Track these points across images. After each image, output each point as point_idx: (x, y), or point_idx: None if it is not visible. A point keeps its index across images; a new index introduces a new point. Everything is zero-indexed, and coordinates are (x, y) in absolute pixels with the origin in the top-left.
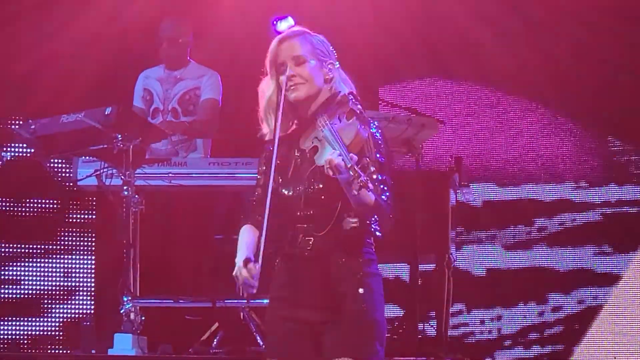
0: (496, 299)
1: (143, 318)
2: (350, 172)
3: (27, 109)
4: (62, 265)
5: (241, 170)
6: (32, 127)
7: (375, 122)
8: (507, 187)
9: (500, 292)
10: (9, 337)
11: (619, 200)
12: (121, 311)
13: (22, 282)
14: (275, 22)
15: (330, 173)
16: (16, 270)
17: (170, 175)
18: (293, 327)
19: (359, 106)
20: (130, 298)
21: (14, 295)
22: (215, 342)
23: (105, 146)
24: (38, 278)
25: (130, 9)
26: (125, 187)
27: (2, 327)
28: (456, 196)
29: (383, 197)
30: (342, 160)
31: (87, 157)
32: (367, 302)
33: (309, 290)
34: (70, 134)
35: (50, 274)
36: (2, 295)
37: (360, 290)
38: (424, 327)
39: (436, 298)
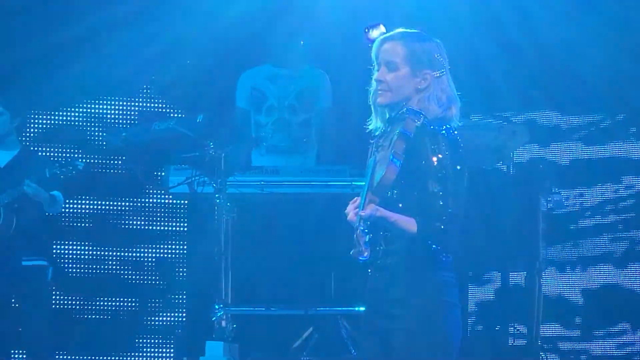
0: None
1: (235, 326)
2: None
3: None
4: (154, 273)
5: (334, 178)
6: (124, 134)
7: (443, 131)
8: None
9: None
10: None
11: None
12: (213, 319)
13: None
14: (367, 30)
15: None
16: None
17: (263, 183)
18: (371, 335)
19: (418, 122)
20: (222, 306)
21: (105, 306)
22: (307, 350)
23: (197, 154)
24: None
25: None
26: (217, 195)
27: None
28: (546, 203)
29: (439, 224)
30: (354, 214)
31: (179, 165)
32: (439, 312)
33: (381, 299)
34: (161, 142)
35: (142, 281)
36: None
37: (428, 301)
38: (514, 337)
39: (527, 307)
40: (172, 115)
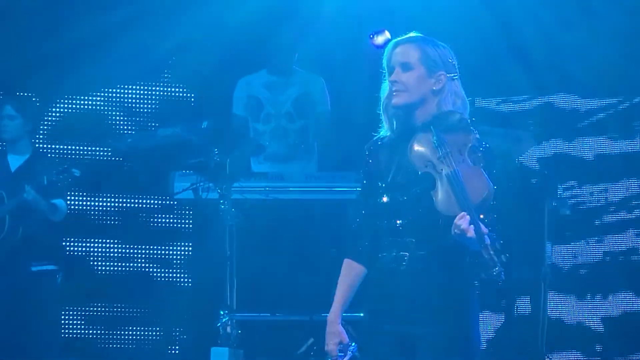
0: None
1: (240, 332)
2: (484, 255)
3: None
4: (159, 278)
5: (338, 184)
6: (129, 140)
7: (485, 144)
8: None
9: None
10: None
11: None
12: (218, 325)
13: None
14: (372, 36)
15: (457, 237)
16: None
17: (268, 189)
18: (391, 341)
19: (477, 135)
20: (227, 312)
21: (108, 308)
22: (312, 356)
23: (202, 160)
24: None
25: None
26: (222, 201)
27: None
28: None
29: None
30: (475, 232)
31: (184, 171)
32: (466, 318)
33: (409, 304)
34: (166, 148)
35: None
36: (98, 310)
37: (460, 306)
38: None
39: (533, 311)
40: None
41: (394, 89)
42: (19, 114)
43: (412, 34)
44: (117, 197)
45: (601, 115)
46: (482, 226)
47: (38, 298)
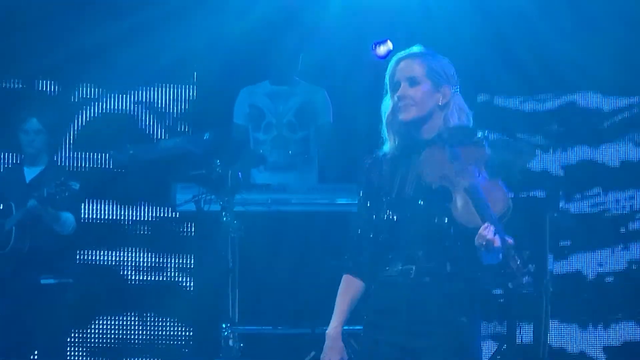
0: None
1: (242, 345)
2: (511, 265)
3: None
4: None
5: (341, 196)
6: (131, 152)
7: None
8: None
9: None
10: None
11: None
12: (220, 338)
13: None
14: (374, 46)
15: (482, 247)
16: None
17: (270, 201)
18: (392, 352)
19: (488, 150)
20: (229, 325)
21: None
22: None
23: (204, 171)
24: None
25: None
26: (224, 213)
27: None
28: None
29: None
30: (500, 242)
31: (186, 183)
32: (469, 330)
33: (412, 317)
34: (168, 159)
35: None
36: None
37: (463, 319)
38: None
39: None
40: None
41: (401, 104)
42: (45, 128)
43: (414, 49)
44: (119, 208)
45: (625, 114)
46: (507, 236)
47: (46, 311)
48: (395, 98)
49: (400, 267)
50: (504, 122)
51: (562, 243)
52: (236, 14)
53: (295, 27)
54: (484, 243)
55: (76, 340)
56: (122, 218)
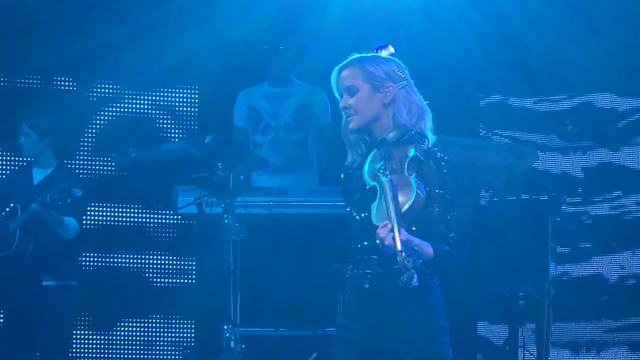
0: None
1: (243, 346)
2: (397, 258)
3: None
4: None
5: (341, 199)
6: (133, 155)
7: (439, 154)
8: None
9: None
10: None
11: None
12: (221, 340)
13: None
14: (376, 50)
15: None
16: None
17: (271, 203)
18: (359, 350)
19: (425, 145)
20: (230, 326)
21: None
22: None
23: (206, 174)
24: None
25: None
26: (225, 216)
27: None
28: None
29: (451, 235)
30: (392, 239)
31: (188, 186)
32: (434, 335)
33: (375, 321)
34: (170, 162)
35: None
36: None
37: (428, 321)
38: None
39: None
40: None
41: (345, 114)
42: (32, 131)
43: (352, 57)
44: (122, 210)
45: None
46: (403, 233)
47: (48, 312)
48: (341, 110)
49: (361, 272)
50: (518, 123)
51: (581, 245)
52: (237, 16)
53: (295, 29)
54: (377, 241)
55: (78, 341)
56: (124, 221)
